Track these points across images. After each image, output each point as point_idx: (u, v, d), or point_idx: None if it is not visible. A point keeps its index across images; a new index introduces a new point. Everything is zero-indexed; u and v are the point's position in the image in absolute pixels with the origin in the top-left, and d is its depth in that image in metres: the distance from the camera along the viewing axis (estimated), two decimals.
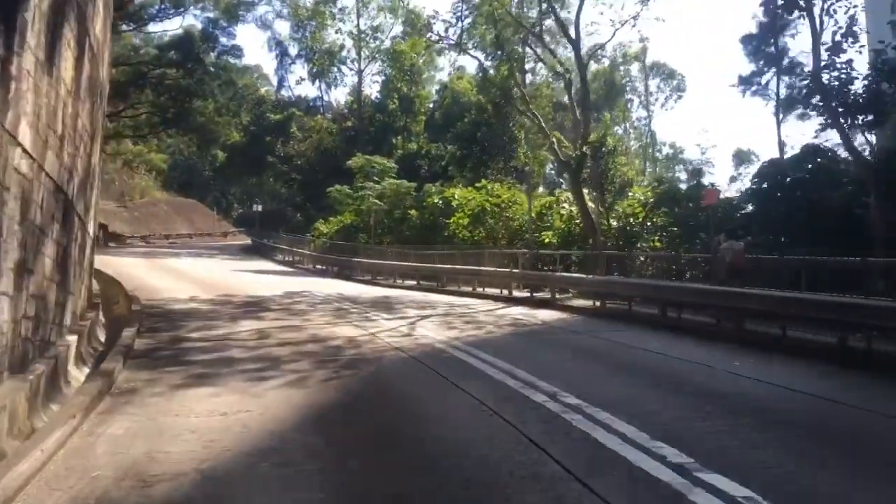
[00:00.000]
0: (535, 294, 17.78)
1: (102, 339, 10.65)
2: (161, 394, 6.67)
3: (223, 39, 45.93)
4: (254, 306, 14.68)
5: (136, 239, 54.27)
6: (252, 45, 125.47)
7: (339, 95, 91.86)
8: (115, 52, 43.70)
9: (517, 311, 15.19)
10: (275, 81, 63.83)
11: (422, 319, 13.12)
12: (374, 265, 26.66)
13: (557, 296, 16.83)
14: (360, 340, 10.25)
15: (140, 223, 58.55)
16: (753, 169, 47.50)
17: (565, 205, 22.40)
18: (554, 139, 22.58)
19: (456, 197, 28.92)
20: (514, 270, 18.56)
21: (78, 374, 7.83)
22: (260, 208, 54.32)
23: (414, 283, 23.93)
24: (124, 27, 41.16)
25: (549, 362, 8.80)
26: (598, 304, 15.28)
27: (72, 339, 8.26)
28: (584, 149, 19.89)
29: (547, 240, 22.58)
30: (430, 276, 22.95)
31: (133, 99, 44.17)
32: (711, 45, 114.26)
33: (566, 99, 24.21)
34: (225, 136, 52.47)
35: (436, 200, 29.76)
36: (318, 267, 33.39)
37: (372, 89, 57.69)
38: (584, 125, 20.49)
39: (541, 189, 39.89)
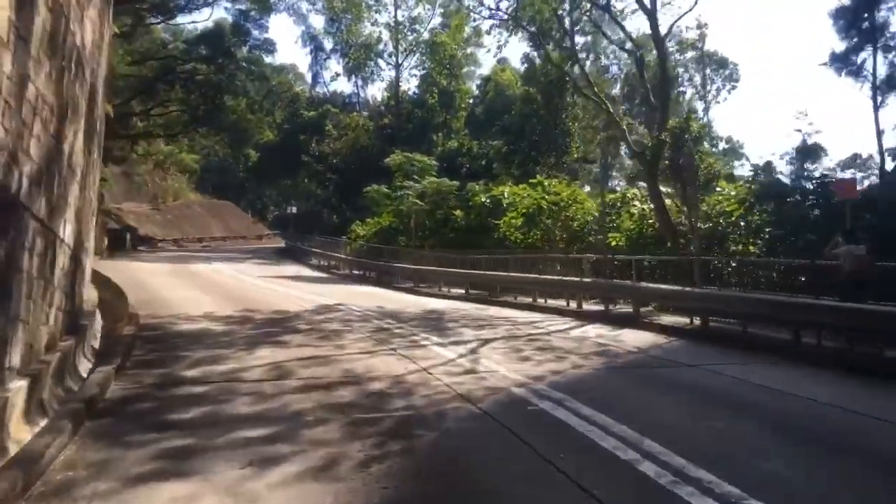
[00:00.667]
0: (610, 308, 15.06)
1: (86, 373, 8.39)
2: (106, 496, 4.23)
3: (255, 32, 44.15)
4: (278, 325, 12.31)
5: (169, 242, 52.96)
6: (285, 40, 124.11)
7: (376, 92, 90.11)
8: (143, 47, 42.30)
9: (596, 331, 12.50)
10: (309, 78, 62.17)
11: (483, 345, 10.55)
12: (416, 271, 24.21)
13: (641, 310, 14.09)
14: (410, 381, 7.71)
15: (173, 226, 57.33)
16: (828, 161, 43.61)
17: (636, 202, 19.59)
18: (625, 126, 19.82)
19: (506, 195, 26.31)
20: (585, 279, 15.85)
21: (26, 435, 5.51)
22: (294, 210, 52.50)
23: (462, 291, 21.41)
24: (151, 19, 39.65)
25: (683, 424, 6.15)
26: (696, 322, 12.51)
27: (18, 385, 5.94)
28: (663, 135, 17.09)
29: (614, 242, 19.81)
30: (480, 284, 20.40)
31: (162, 96, 42.66)
32: (768, 28, 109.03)
33: (614, 91, 21.68)
34: (258, 134, 50.76)
35: (483, 199, 27.20)
36: (355, 272, 31.13)
37: (410, 84, 55.45)
38: (661, 108, 17.64)
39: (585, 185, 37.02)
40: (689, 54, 59.48)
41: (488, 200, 27.06)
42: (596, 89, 22.54)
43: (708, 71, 60.78)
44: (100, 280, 18.38)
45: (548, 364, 8.99)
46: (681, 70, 59.31)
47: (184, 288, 18.82)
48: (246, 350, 9.57)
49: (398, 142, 49.13)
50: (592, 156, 26.68)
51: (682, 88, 61.56)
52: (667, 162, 17.66)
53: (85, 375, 8.32)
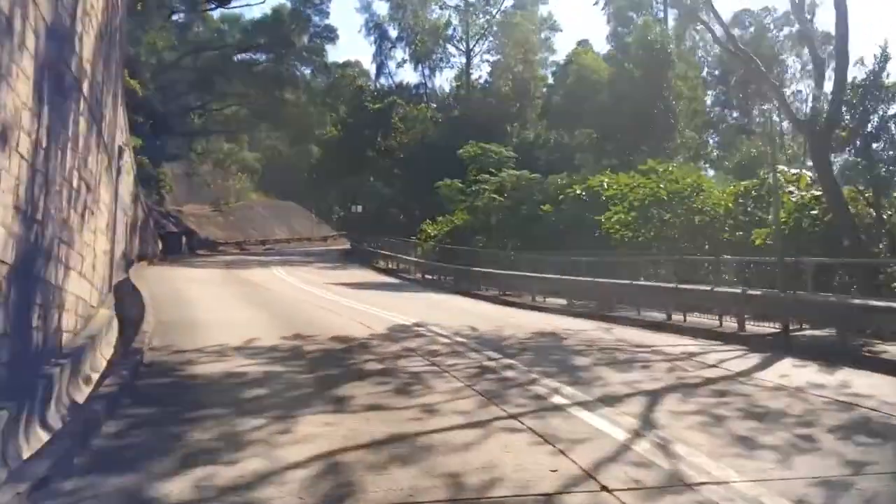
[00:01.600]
0: (790, 332, 10.97)
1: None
2: None
3: (315, 19, 41.57)
4: (336, 363, 8.85)
5: (231, 245, 51.05)
6: (346, 33, 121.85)
7: (444, 82, 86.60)
8: (199, 38, 40.37)
9: (803, 375, 8.47)
10: (373, 71, 59.37)
11: (653, 406, 6.73)
12: (504, 277, 20.54)
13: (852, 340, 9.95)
14: None
15: (235, 228, 55.53)
16: None
17: (791, 188, 15.28)
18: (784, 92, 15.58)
19: (606, 185, 22.31)
20: (751, 292, 11.76)
21: None
22: (360, 209, 49.66)
23: (561, 302, 17.62)
24: (206, 6, 37.44)
25: None
26: None
27: None
28: (844, 94, 12.74)
29: (759, 241, 15.58)
30: (589, 294, 16.55)
31: (219, 89, 40.53)
32: None
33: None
34: (320, 129, 48.19)
35: (578, 192, 23.26)
36: (428, 276, 27.72)
37: (481, 72, 51.77)
38: (838, 60, 13.22)
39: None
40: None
41: (583, 193, 23.11)
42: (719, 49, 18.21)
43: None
44: (125, 294, 15.49)
45: (793, 456, 5.13)
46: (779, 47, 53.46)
47: (228, 302, 15.71)
48: (284, 416, 6.08)
49: (469, 134, 45.50)
50: (766, 118, 22.21)
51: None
52: (843, 133, 13.35)
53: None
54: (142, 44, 30.98)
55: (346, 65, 61.18)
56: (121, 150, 24.91)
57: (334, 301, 17.10)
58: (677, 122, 27.65)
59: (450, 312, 15.68)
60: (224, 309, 13.80)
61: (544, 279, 17.99)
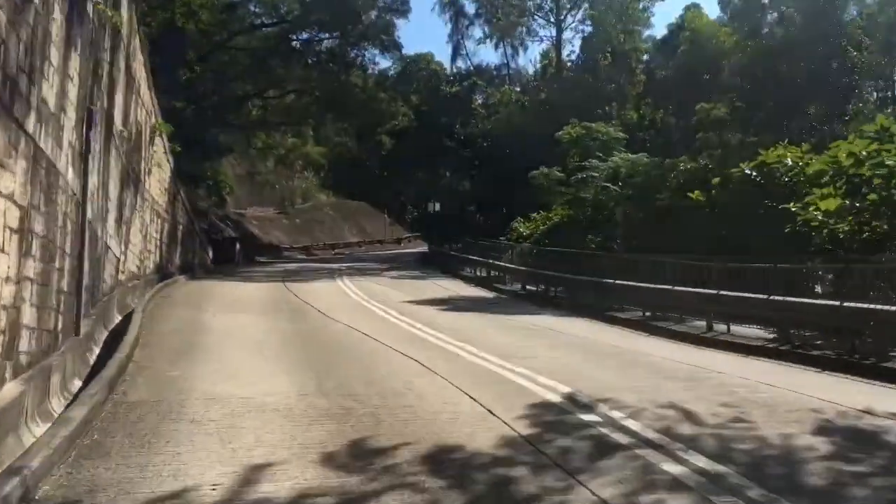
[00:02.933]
0: None
1: None
2: None
3: None
4: None
5: (297, 250, 46.80)
6: (417, 14, 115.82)
7: (528, 64, 79.93)
8: (252, 14, 35.99)
9: None
10: (448, 53, 54.07)
11: None
12: (654, 295, 14.57)
13: None
14: None
15: (301, 232, 51.33)
16: None
17: None
18: None
19: (793, 162, 16.00)
20: None
21: None
22: (437, 207, 44.40)
23: (762, 334, 11.67)
24: None
25: None
26: None
27: None
28: None
29: None
30: (822, 320, 10.55)
31: (278, 75, 36.03)
32: None
33: None
34: (391, 118, 43.20)
35: (746, 171, 17.01)
36: (530, 287, 22.02)
37: (573, 46, 45.48)
38: None
39: None
40: None
41: (754, 173, 16.84)
42: None
43: None
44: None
45: None
46: None
47: (259, 354, 9.99)
48: None
49: (560, 118, 39.52)
50: None
51: None
52: None
53: None
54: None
55: (419, 58, 56.13)
56: (151, 135, 20.43)
57: (420, 338, 11.61)
58: (860, 79, 20.94)
59: (602, 360, 9.95)
60: (246, 371, 8.40)
61: (741, 300, 11.90)
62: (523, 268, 22.57)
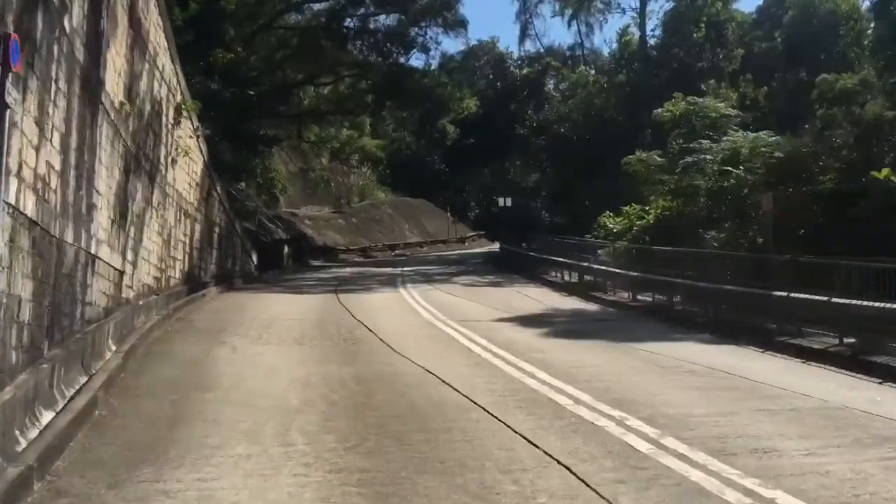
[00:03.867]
0: None
1: None
2: None
3: None
4: None
5: (354, 253, 43.33)
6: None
7: (603, 45, 73.90)
8: None
9: None
10: (516, 34, 49.67)
11: None
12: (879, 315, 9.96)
13: None
14: None
15: (358, 232, 47.87)
16: None
17: None
18: None
19: None
20: None
21: None
22: (509, 202, 40.13)
23: None
24: None
25: None
26: None
27: None
28: None
29: None
30: None
31: (331, 59, 32.45)
32: None
33: None
34: (456, 107, 39.14)
35: None
36: (641, 298, 17.54)
37: (659, 18, 40.47)
38: None
39: None
40: None
41: None
42: None
43: None
44: None
45: None
46: None
47: (272, 459, 5.97)
48: None
49: (646, 100, 34.76)
50: None
51: None
52: None
53: None
54: None
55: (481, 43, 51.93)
56: (176, 117, 16.93)
57: (544, 399, 7.36)
58: None
59: None
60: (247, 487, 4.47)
61: None
62: (635, 273, 18.09)
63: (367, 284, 22.18)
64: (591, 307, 17.51)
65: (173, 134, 15.83)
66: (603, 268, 19.82)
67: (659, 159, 25.16)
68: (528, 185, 61.19)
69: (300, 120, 33.47)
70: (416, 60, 34.39)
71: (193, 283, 17.59)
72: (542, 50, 45.79)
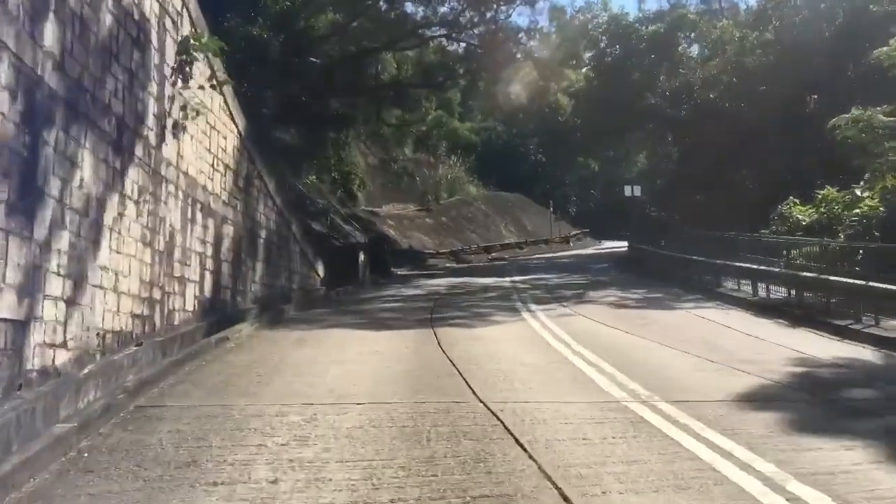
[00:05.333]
0: None
1: None
2: None
3: None
4: None
5: (444, 257, 37.41)
6: None
7: None
8: None
9: None
10: None
11: None
12: None
13: None
14: None
15: (449, 232, 41.91)
16: None
17: None
18: None
19: None
20: None
21: None
22: (637, 191, 33.00)
23: None
24: None
25: None
26: None
27: None
28: None
29: None
30: None
31: (413, 22, 26.45)
32: None
33: None
34: (561, 79, 32.46)
35: None
36: None
37: None
38: None
39: None
40: None
41: None
42: None
43: None
44: None
45: None
46: None
47: None
48: None
49: (815, 54, 26.99)
50: None
51: None
52: None
53: None
54: None
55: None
56: (184, 59, 10.90)
57: None
58: None
59: None
60: None
61: None
62: None
63: (473, 306, 15.95)
64: (874, 356, 10.50)
65: (175, 83, 10.13)
66: (858, 282, 12.68)
67: (887, 119, 17.75)
68: (661, 167, 53.35)
69: (378, 97, 27.68)
70: (519, 17, 27.83)
71: (218, 315, 11.86)
72: (666, 5, 38.39)
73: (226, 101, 12.68)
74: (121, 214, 8.18)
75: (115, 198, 8.07)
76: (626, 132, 34.34)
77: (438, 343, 10.52)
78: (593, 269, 27.55)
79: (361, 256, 22.19)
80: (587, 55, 32.66)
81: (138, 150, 8.75)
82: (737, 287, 17.70)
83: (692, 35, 32.08)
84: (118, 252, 8.13)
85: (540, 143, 64.18)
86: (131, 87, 8.51)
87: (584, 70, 35.30)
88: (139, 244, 8.82)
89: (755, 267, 16.86)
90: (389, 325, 12.64)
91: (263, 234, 15.09)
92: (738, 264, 17.42)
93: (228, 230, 12.87)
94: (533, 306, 15.43)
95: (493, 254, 41.34)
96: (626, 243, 49.96)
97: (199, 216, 11.26)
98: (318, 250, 19.83)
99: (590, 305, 15.76)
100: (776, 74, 27.23)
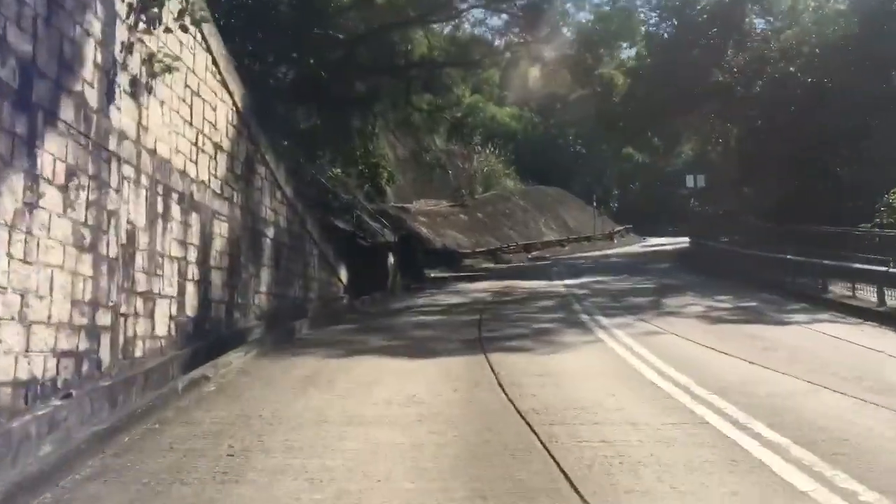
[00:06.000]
0: None
1: None
2: None
3: None
4: None
5: (480, 256, 34.61)
6: None
7: None
8: None
9: None
10: None
11: None
12: None
13: None
14: None
15: (485, 229, 39.01)
16: None
17: None
18: None
19: None
20: None
21: None
22: (702, 181, 29.65)
23: None
24: None
25: None
26: None
27: None
28: None
29: None
30: None
31: None
32: None
33: None
34: (615, 51, 29.29)
35: None
36: None
37: None
38: None
39: None
40: None
41: None
42: None
43: None
44: None
45: None
46: None
47: None
48: None
49: None
50: None
51: None
52: None
53: None
54: None
55: None
56: None
57: None
58: None
59: None
60: None
61: None
62: None
63: (529, 319, 13.04)
64: None
65: (135, 25, 7.40)
66: None
67: None
68: (686, 160, 50.07)
69: (408, 77, 24.83)
70: None
71: (208, 338, 9.16)
72: None
73: (215, 62, 9.94)
74: (30, 206, 5.49)
75: (19, 180, 5.37)
76: (687, 113, 30.89)
77: (498, 382, 7.64)
78: (653, 271, 24.45)
79: (391, 258, 19.39)
80: (642, 29, 29.36)
81: (65, 113, 6.05)
82: (850, 293, 14.53)
83: (757, 7, 28.64)
84: (26, 262, 5.44)
85: (578, 133, 60.91)
86: (49, 17, 5.80)
87: (638, 47, 32.07)
88: (70, 249, 6.13)
89: (862, 267, 13.69)
90: (428, 350, 9.80)
91: (270, 232, 12.36)
92: (861, 266, 14.19)
93: (221, 228, 10.16)
94: (603, 320, 12.47)
95: (534, 252, 38.37)
96: (674, 240, 46.62)
97: (175, 210, 8.55)
98: (340, 252, 17.07)
99: (674, 319, 12.73)
100: (866, 46, 23.75)
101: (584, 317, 13.10)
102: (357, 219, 25.12)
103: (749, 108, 26.33)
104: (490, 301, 16.08)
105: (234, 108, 10.81)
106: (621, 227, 51.95)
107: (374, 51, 23.07)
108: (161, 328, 8.07)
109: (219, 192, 10.05)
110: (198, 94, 9.38)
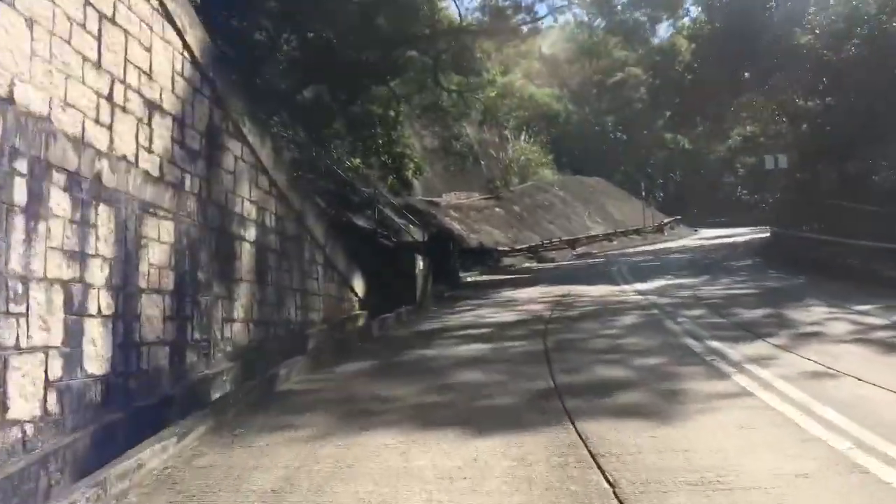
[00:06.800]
0: None
1: None
2: None
3: None
4: None
5: (520, 254, 31.04)
6: None
7: None
8: None
9: None
10: None
11: None
12: None
13: None
14: None
15: (523, 223, 35.38)
16: None
17: None
18: None
19: None
20: None
21: None
22: (784, 162, 25.51)
23: None
24: None
25: None
26: None
27: None
28: None
29: None
30: None
31: None
32: None
33: None
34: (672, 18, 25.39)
35: None
36: None
37: None
38: None
39: None
40: None
41: None
42: None
43: None
44: None
45: None
46: None
47: None
48: None
49: None
50: None
51: None
52: None
53: None
54: None
55: None
56: None
57: None
58: None
59: None
60: None
61: None
62: None
63: (616, 348, 9.38)
64: None
65: None
66: None
67: None
68: (733, 145, 46.10)
69: (435, 50, 21.30)
70: None
71: (129, 406, 5.78)
72: None
73: None
74: None
75: None
76: (765, 82, 26.71)
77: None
78: (738, 269, 20.63)
79: (420, 262, 15.83)
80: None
81: None
82: None
83: None
84: None
85: (618, 120, 57.06)
86: None
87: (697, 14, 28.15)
88: None
89: None
90: (480, 414, 6.27)
91: (250, 234, 8.89)
92: None
93: (164, 230, 6.71)
94: (725, 349, 8.81)
95: (579, 248, 34.63)
96: (731, 231, 42.53)
97: (60, 200, 5.11)
98: (356, 255, 13.57)
99: (825, 345, 9.00)
100: None
101: (691, 341, 9.44)
102: (379, 215, 21.77)
103: (842, 74, 22.23)
104: (551, 318, 12.44)
105: (187, 54, 7.36)
106: (670, 219, 47.87)
107: (395, 18, 19.57)
108: (20, 407, 4.64)
109: (156, 174, 6.61)
110: (112, 21, 5.94)
